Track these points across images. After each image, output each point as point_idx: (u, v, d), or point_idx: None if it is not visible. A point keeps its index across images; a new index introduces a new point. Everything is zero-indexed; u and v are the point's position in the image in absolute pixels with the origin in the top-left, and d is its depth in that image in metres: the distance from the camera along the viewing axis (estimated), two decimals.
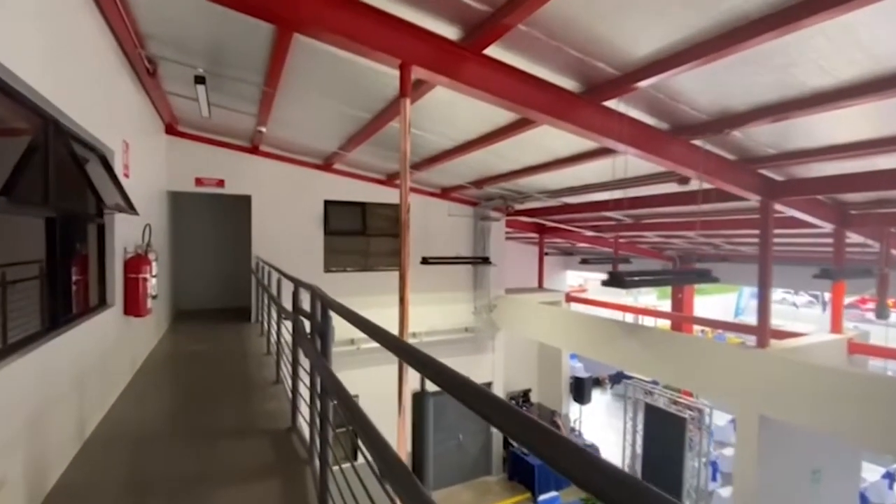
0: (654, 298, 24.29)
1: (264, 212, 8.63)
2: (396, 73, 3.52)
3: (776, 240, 6.19)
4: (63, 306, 3.33)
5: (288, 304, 4.02)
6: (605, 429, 14.47)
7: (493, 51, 3.67)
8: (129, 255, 4.74)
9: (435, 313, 10.21)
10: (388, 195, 9.82)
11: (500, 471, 11.39)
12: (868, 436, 5.00)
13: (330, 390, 2.32)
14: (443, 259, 9.08)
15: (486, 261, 9.90)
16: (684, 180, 6.25)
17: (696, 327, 15.44)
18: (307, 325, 3.10)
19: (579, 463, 0.66)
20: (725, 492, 10.74)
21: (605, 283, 4.43)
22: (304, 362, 3.24)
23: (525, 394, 12.64)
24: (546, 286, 13.46)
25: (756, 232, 8.55)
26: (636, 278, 4.59)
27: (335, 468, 2.52)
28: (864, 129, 4.54)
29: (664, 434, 9.71)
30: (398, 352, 1.40)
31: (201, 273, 9.72)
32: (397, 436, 3.35)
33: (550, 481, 10.00)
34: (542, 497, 9.36)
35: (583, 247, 15.12)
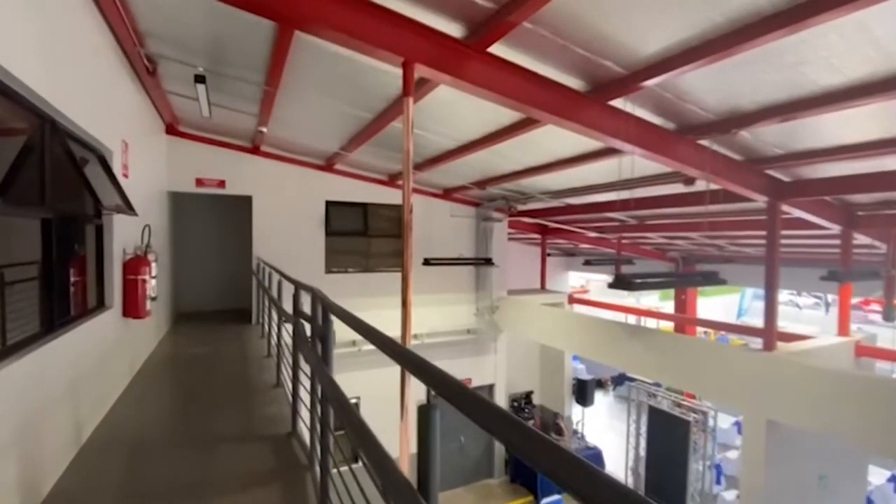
0: (657, 299, 24.18)
1: (265, 212, 8.58)
2: (399, 71, 3.46)
3: (782, 241, 6.11)
4: (60, 309, 3.27)
5: (288, 306, 3.96)
6: (607, 431, 14.37)
7: (497, 49, 3.61)
8: (129, 256, 4.68)
9: (437, 315, 10.14)
10: (390, 196, 9.76)
11: (502, 473, 11.31)
12: (878, 440, 4.91)
13: (330, 397, 2.26)
14: (445, 260, 9.01)
15: (488, 262, 9.83)
16: (690, 181, 6.18)
17: (700, 329, 15.36)
18: (308, 328, 3.05)
19: (583, 479, 0.65)
20: (730, 495, 10.65)
21: (611, 286, 4.36)
22: (305, 366, 3.18)
23: (527, 396, 12.56)
24: (548, 287, 13.39)
25: (761, 233, 8.50)
26: (643, 281, 4.51)
27: (337, 471, 2.46)
28: (873, 130, 4.46)
29: (668, 437, 9.62)
30: (402, 361, 1.33)
31: (202, 274, 9.66)
32: (400, 449, 3.29)
33: (553, 484, 9.91)
34: (544, 500, 9.28)
35: (585, 248, 15.04)
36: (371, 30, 3.17)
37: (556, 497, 9.30)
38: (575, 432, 12.23)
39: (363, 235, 9.71)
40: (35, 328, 2.95)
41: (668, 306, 19.16)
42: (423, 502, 1.00)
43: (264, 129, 6.76)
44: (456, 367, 10.26)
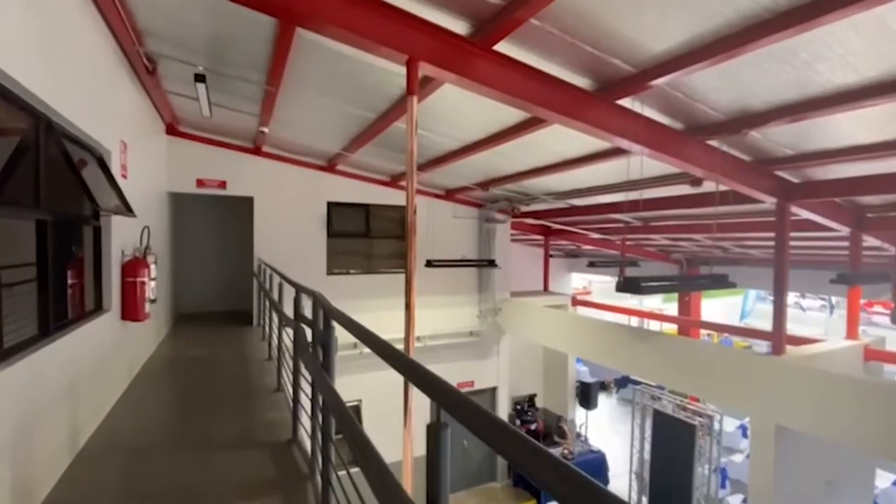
0: (660, 301, 24.06)
1: (267, 213, 8.51)
2: (402, 70, 3.38)
3: (790, 243, 6.01)
4: (56, 312, 3.20)
5: (289, 309, 3.88)
6: (610, 434, 14.26)
7: (503, 46, 3.52)
8: (127, 258, 4.60)
9: (439, 317, 10.05)
10: (392, 197, 9.68)
11: (504, 477, 11.21)
12: (889, 446, 4.81)
13: (331, 406, 2.17)
14: (448, 262, 8.93)
15: (491, 263, 9.74)
16: (697, 182, 6.09)
17: (703, 331, 15.22)
18: (309, 333, 2.97)
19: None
20: (735, 500, 10.54)
21: (619, 289, 4.27)
22: (306, 371, 3.10)
23: (530, 399, 12.46)
24: (551, 289, 13.29)
25: (767, 235, 8.40)
26: (652, 284, 4.41)
27: (339, 481, 2.37)
28: (887, 130, 4.36)
29: (673, 441, 9.50)
30: (411, 376, 1.25)
31: (203, 276, 9.60)
32: (404, 457, 3.20)
33: None
34: None
35: (588, 249, 14.94)
36: (374, 27, 3.09)
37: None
38: (578, 435, 12.13)
39: (365, 237, 9.63)
40: (31, 332, 2.87)
41: (671, 308, 19.04)
42: None
43: (265, 130, 6.69)
44: (458, 370, 10.19)
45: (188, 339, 7.21)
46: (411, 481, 3.31)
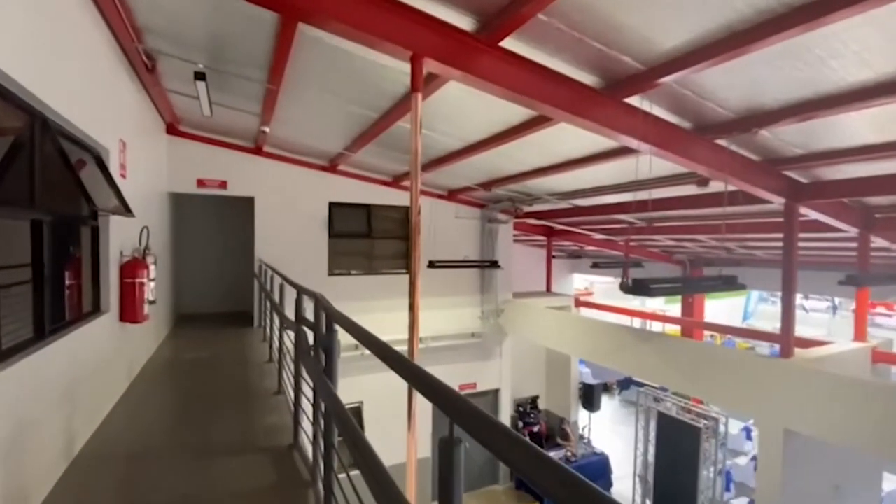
0: (662, 302, 23.97)
1: (268, 214, 8.44)
2: (405, 68, 3.31)
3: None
4: (53, 314, 3.13)
5: (291, 311, 3.80)
6: (612, 435, 14.17)
7: (509, 43, 3.44)
8: (126, 258, 4.53)
9: (441, 318, 9.97)
10: (394, 197, 9.60)
11: (507, 480, 11.12)
12: None
13: (333, 413, 2.10)
14: (451, 263, 8.85)
15: (494, 264, 9.66)
16: (704, 182, 6.01)
17: (706, 332, 15.12)
18: (310, 335, 2.89)
19: None
20: (739, 503, 10.45)
21: (628, 291, 4.18)
22: (308, 375, 3.03)
23: (533, 401, 12.36)
24: (553, 290, 13.20)
25: (771, 236, 8.31)
26: (660, 286, 4.33)
27: (341, 477, 2.29)
28: None
29: (677, 443, 9.41)
30: (420, 385, 1.17)
31: (203, 276, 9.54)
32: (408, 460, 3.12)
33: None
34: None
35: (590, 250, 14.85)
36: (378, 22, 3.01)
37: None
38: (581, 437, 12.04)
39: (367, 237, 9.56)
40: (26, 334, 2.80)
41: (673, 309, 18.93)
42: None
43: (267, 129, 6.62)
44: (460, 372, 10.10)
45: (188, 340, 7.14)
46: (415, 486, 3.24)
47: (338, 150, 7.66)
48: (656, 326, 16.60)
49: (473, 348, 10.55)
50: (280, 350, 4.67)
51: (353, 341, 1.98)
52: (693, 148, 4.54)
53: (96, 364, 3.73)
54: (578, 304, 13.10)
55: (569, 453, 11.19)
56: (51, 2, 2.91)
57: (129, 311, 4.48)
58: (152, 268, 5.05)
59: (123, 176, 4.53)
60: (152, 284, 5.05)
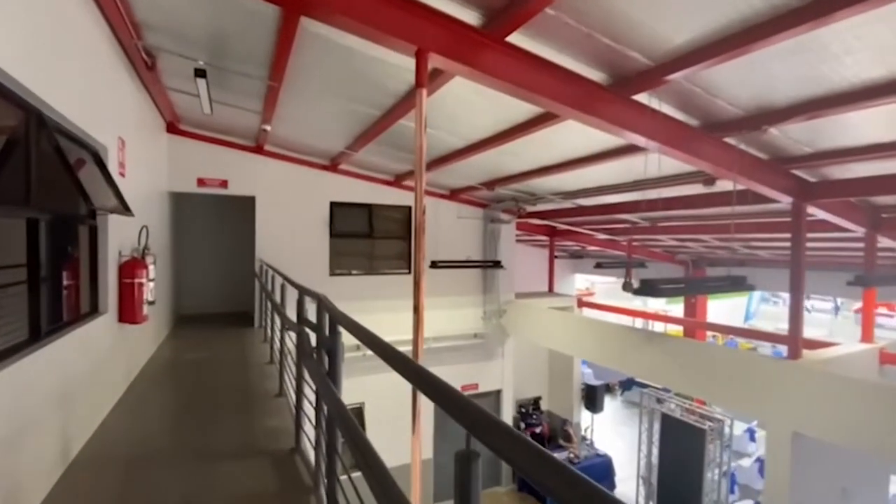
0: (664, 302, 23.88)
1: (268, 213, 8.37)
2: (408, 65, 3.24)
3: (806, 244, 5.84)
4: (49, 314, 3.06)
5: (292, 312, 3.73)
6: (614, 436, 14.09)
7: (516, 38, 3.37)
8: (125, 258, 4.46)
9: (443, 318, 9.89)
10: (396, 196, 9.53)
11: (509, 481, 11.04)
12: None
13: (337, 418, 2.02)
14: (453, 263, 8.77)
15: (497, 264, 9.58)
16: (710, 181, 5.93)
17: (708, 333, 15.02)
18: (313, 337, 2.82)
19: None
20: None
21: (637, 292, 4.11)
22: (310, 377, 2.95)
23: (535, 402, 12.28)
24: (555, 290, 13.13)
25: (776, 235, 8.23)
26: (669, 286, 4.25)
27: (343, 479, 2.22)
28: None
29: (681, 445, 9.33)
30: (432, 393, 1.10)
31: (203, 276, 9.47)
32: (412, 462, 3.05)
33: None
34: None
35: (593, 250, 14.77)
36: (382, 16, 2.94)
37: None
38: (584, 439, 11.96)
39: (368, 237, 9.49)
40: (21, 336, 2.73)
41: (675, 309, 18.84)
42: None
43: (268, 128, 6.55)
44: (462, 373, 10.03)
45: (188, 341, 7.07)
46: (419, 489, 3.16)
47: (339, 148, 7.58)
48: (658, 327, 16.53)
49: (475, 349, 10.48)
50: (281, 351, 4.60)
51: (355, 341, 1.92)
52: (702, 146, 4.46)
53: (94, 366, 3.66)
54: (581, 304, 13.01)
55: (571, 455, 11.11)
56: None
57: (128, 311, 4.41)
58: (151, 268, 4.99)
59: (122, 174, 4.46)
60: (151, 285, 4.98)
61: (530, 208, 9.95)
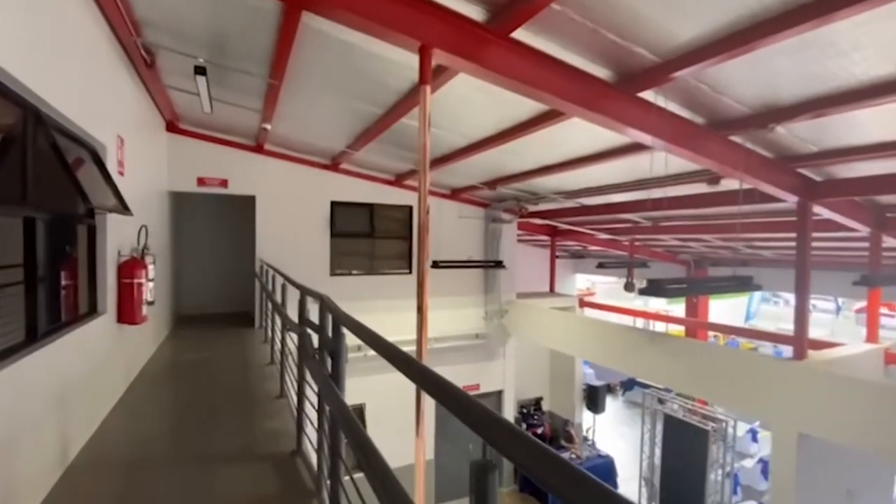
0: (665, 302, 23.82)
1: (269, 213, 8.31)
2: (410, 62, 3.19)
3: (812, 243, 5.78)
4: (47, 315, 3.01)
5: (293, 312, 3.68)
6: (616, 437, 14.04)
7: (521, 34, 3.32)
8: (124, 258, 4.41)
9: (444, 319, 9.83)
10: (397, 196, 9.48)
11: (511, 482, 10.99)
12: None
13: (340, 420, 1.97)
14: (454, 263, 8.72)
15: (498, 264, 9.53)
16: (715, 180, 5.87)
17: (710, 333, 14.96)
18: (315, 338, 2.77)
19: None
20: None
21: (643, 292, 4.06)
22: (312, 378, 2.90)
23: (537, 402, 12.24)
24: (556, 290, 13.08)
25: (780, 235, 8.17)
26: (675, 286, 4.20)
27: (346, 482, 2.18)
28: None
29: (684, 446, 9.28)
30: (443, 398, 1.05)
31: (203, 277, 9.43)
32: (416, 464, 3.00)
33: None
34: None
35: (594, 250, 14.72)
36: (386, 10, 2.89)
37: None
38: (585, 439, 11.91)
39: (369, 237, 9.44)
40: (17, 337, 2.68)
41: (675, 309, 18.79)
42: None
43: (268, 126, 6.49)
44: (464, 373, 9.98)
45: (188, 341, 7.02)
46: (423, 491, 3.11)
47: (340, 147, 7.53)
48: (659, 327, 16.48)
49: (477, 349, 10.43)
50: (282, 352, 4.55)
51: (356, 342, 1.88)
52: (708, 144, 4.41)
53: (92, 367, 3.61)
54: (582, 304, 12.96)
55: (573, 455, 11.06)
56: None
57: (127, 312, 4.36)
58: (151, 268, 4.94)
59: (121, 173, 4.41)
60: (151, 285, 4.94)
61: (532, 208, 9.90)
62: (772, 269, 12.00)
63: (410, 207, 9.66)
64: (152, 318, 5.55)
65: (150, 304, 4.93)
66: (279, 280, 5.34)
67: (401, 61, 4.10)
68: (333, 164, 8.64)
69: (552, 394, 12.72)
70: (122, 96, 4.60)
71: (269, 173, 8.31)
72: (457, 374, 9.54)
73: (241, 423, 3.89)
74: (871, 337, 7.06)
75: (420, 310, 3.12)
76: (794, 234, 5.85)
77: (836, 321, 22.23)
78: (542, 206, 9.86)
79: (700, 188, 6.43)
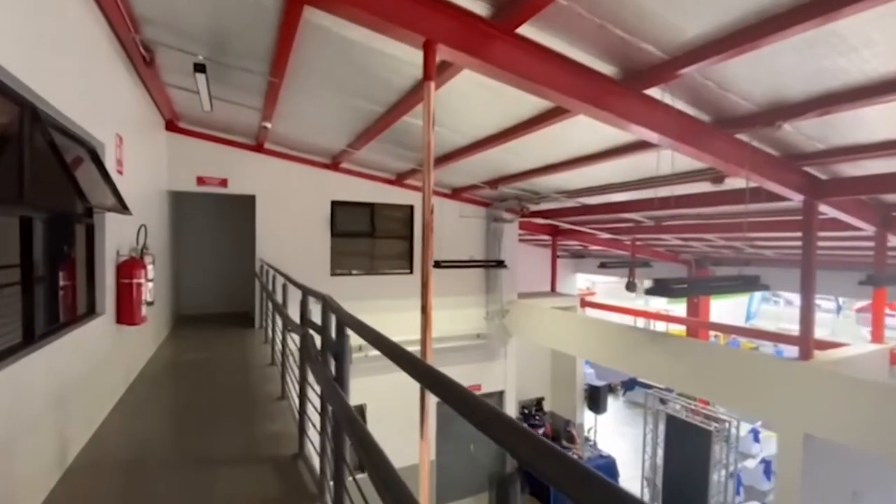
0: (665, 302, 23.77)
1: (269, 213, 8.26)
2: (412, 59, 3.14)
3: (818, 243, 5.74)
4: (45, 316, 2.96)
5: (295, 313, 3.63)
6: (616, 437, 13.99)
7: (526, 29, 3.26)
8: (123, 258, 4.35)
9: (446, 318, 9.79)
10: (398, 196, 9.43)
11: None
12: None
13: (344, 423, 1.92)
14: (456, 263, 8.67)
15: (500, 264, 9.48)
16: (719, 179, 5.82)
17: (711, 333, 14.92)
18: (317, 338, 2.71)
19: None
20: None
21: (648, 291, 4.01)
22: (314, 380, 2.86)
23: (538, 402, 12.19)
24: (557, 289, 13.03)
25: (784, 234, 8.13)
26: (681, 286, 4.15)
27: (350, 484, 2.13)
28: None
29: (687, 447, 9.24)
30: (437, 389, 1.01)
31: (203, 277, 9.37)
32: (420, 465, 2.95)
33: (567, 497, 9.54)
34: None
35: (595, 249, 14.67)
36: (389, 5, 2.84)
37: None
38: (587, 440, 11.86)
39: (369, 237, 9.39)
40: (14, 339, 2.63)
41: (676, 309, 18.76)
42: None
43: (268, 125, 6.44)
44: (465, 373, 9.93)
45: (188, 342, 6.96)
46: (428, 493, 3.07)
47: (341, 146, 7.48)
48: (660, 326, 16.44)
49: (478, 349, 10.38)
50: (283, 353, 4.49)
51: (356, 343, 1.85)
52: (714, 142, 4.36)
53: (91, 368, 3.56)
54: (584, 304, 12.92)
55: (575, 455, 11.01)
56: None
57: (126, 312, 4.31)
58: (150, 268, 4.89)
59: (120, 172, 4.36)
60: (150, 285, 4.89)
61: (533, 207, 9.85)
62: (774, 268, 11.96)
63: (411, 207, 9.61)
64: (152, 319, 5.50)
65: (150, 304, 4.88)
66: (280, 280, 5.29)
67: (403, 58, 4.05)
68: (334, 164, 8.59)
69: (553, 394, 12.68)
70: (121, 94, 4.55)
71: (270, 172, 8.26)
72: (458, 375, 9.25)
73: (241, 424, 3.84)
74: (877, 337, 7.01)
75: (424, 310, 3.07)
76: (798, 234, 5.80)
77: (837, 321, 22.21)
78: (544, 206, 9.81)
79: (705, 187, 6.38)
